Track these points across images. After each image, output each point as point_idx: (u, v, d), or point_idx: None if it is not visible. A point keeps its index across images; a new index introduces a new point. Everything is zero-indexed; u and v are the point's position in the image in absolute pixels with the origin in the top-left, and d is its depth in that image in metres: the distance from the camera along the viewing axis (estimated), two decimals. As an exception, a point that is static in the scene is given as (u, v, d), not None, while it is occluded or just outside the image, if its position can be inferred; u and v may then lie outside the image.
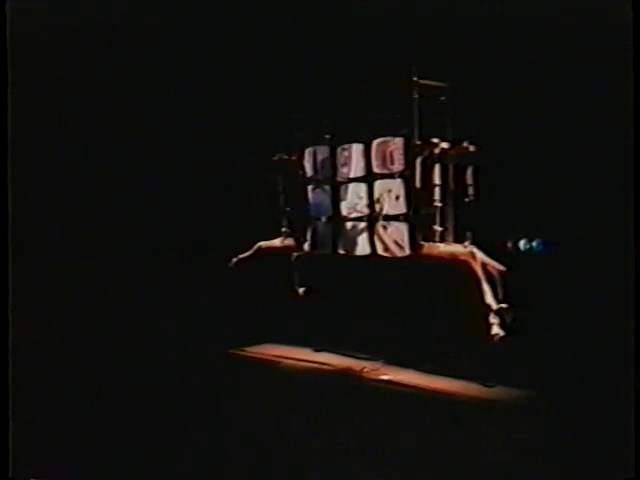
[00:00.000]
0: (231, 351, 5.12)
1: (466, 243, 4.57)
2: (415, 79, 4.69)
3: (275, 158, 5.47)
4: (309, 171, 5.34)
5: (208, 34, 4.91)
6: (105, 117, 5.12)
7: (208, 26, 4.83)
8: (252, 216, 5.29)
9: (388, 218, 4.93)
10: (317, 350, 5.12)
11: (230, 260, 5.56)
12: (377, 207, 4.94)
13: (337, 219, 5.21)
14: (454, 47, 4.46)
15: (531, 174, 4.32)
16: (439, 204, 4.69)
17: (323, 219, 5.28)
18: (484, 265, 4.45)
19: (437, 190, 4.68)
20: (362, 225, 5.07)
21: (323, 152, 5.27)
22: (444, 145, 4.65)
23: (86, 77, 5.06)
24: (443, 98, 4.59)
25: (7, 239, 4.16)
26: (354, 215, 5.12)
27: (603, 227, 4.10)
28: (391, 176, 4.88)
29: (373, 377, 4.62)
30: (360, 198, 5.05)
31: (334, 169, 5.21)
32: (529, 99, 4.30)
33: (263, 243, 5.55)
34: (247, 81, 5.19)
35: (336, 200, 5.20)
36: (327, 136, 5.23)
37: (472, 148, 4.57)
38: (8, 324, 4.12)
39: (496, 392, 4.16)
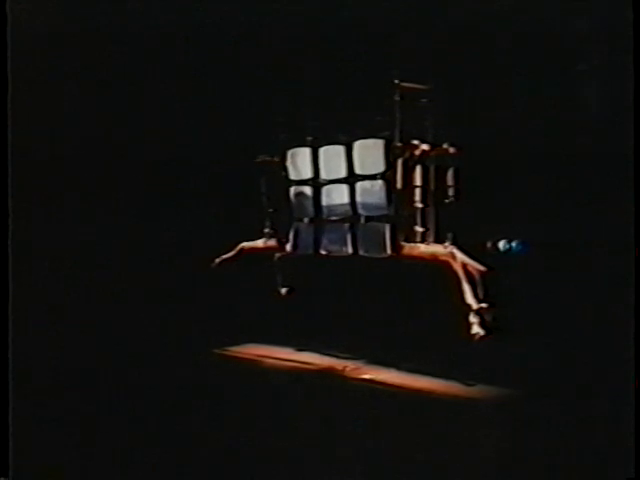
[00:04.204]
0: (214, 351, 5.15)
1: (446, 244, 4.61)
2: (396, 82, 4.73)
3: (257, 160, 5.49)
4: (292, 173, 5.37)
5: (195, 35, 4.93)
6: (89, 119, 5.12)
7: (195, 27, 4.84)
8: (235, 217, 5.30)
9: (369, 219, 4.97)
10: (299, 349, 5.15)
11: (213, 261, 5.57)
12: (359, 208, 4.98)
13: (319, 220, 5.24)
14: (436, 49, 4.49)
15: (511, 176, 4.36)
16: (420, 205, 4.72)
17: (305, 220, 5.31)
18: (464, 265, 4.49)
19: (418, 191, 4.71)
20: (344, 226, 5.10)
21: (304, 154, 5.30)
22: (425, 147, 4.69)
23: (87, 77, 5.06)
24: (424, 100, 4.63)
25: (7, 239, 4.18)
26: (336, 216, 5.15)
27: (584, 227, 4.14)
28: (372, 177, 4.91)
29: (355, 376, 4.66)
30: (342, 199, 5.09)
31: (316, 170, 5.24)
32: (511, 100, 4.33)
33: (246, 244, 5.56)
34: (229, 83, 5.20)
35: (318, 201, 5.23)
36: (309, 137, 5.25)
37: (452, 150, 4.61)
38: (8, 324, 4.13)
39: (477, 391, 4.21)
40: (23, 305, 4.47)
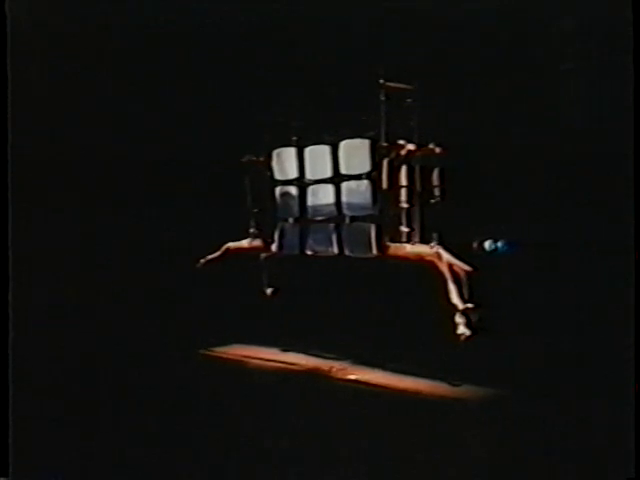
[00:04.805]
0: (200, 352, 5.13)
1: (432, 244, 4.61)
2: (382, 81, 4.72)
3: (243, 160, 5.47)
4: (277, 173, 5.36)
5: (183, 36, 4.91)
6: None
7: (182, 28, 4.83)
8: (220, 217, 5.28)
9: (355, 219, 4.96)
10: (285, 350, 5.14)
11: (198, 261, 5.55)
12: (344, 208, 4.97)
13: (304, 220, 5.23)
14: (422, 49, 4.48)
15: (497, 176, 4.36)
16: (405, 205, 4.72)
17: (290, 220, 5.30)
18: (450, 265, 4.49)
19: (403, 191, 4.71)
20: (329, 226, 5.09)
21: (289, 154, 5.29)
22: (410, 147, 4.68)
23: (87, 77, 5.05)
24: (410, 100, 4.62)
25: (7, 239, 4.17)
26: (321, 216, 5.14)
27: (570, 227, 4.15)
28: (358, 177, 4.90)
29: (341, 377, 4.65)
30: (327, 199, 5.08)
31: (301, 170, 5.23)
32: (497, 100, 4.33)
33: (231, 244, 5.54)
34: (214, 83, 5.18)
35: (303, 201, 5.22)
36: (294, 137, 5.24)
37: (438, 150, 4.61)
38: (8, 324, 4.13)
39: (463, 391, 4.22)
40: (23, 305, 4.46)
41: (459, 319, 4.37)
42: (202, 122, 5.22)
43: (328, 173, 5.05)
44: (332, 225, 5.07)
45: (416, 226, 4.70)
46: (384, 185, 4.77)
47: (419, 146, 4.64)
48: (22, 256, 4.49)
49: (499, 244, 4.45)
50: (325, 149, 5.06)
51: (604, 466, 3.44)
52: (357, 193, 4.91)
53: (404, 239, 4.74)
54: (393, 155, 4.75)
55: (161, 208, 5.35)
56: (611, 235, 3.87)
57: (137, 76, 5.09)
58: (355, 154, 4.90)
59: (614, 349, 3.77)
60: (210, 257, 5.65)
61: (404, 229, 4.73)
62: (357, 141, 4.88)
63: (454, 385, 4.26)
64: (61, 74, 4.92)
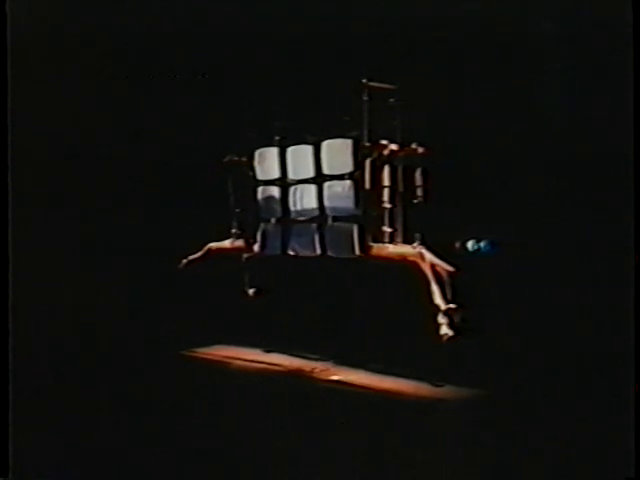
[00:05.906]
0: (182, 352, 5.12)
1: (415, 244, 4.60)
2: (364, 81, 4.72)
3: (225, 159, 5.45)
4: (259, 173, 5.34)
5: (168, 36, 4.90)
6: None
7: (182, 28, 4.82)
8: (202, 217, 5.26)
9: (337, 220, 4.95)
10: (267, 351, 5.13)
11: (180, 261, 5.53)
12: (327, 208, 4.96)
13: (287, 220, 5.22)
14: (405, 48, 4.48)
15: (479, 176, 4.36)
16: (388, 205, 4.71)
17: (273, 220, 5.28)
18: (433, 266, 4.49)
19: (386, 191, 4.71)
20: (312, 226, 5.08)
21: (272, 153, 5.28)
22: (393, 147, 4.68)
23: (86, 77, 5.03)
24: (393, 100, 4.62)
25: (7, 239, 4.16)
26: (303, 216, 5.13)
27: (552, 227, 4.15)
28: (340, 177, 4.89)
29: (323, 377, 4.65)
30: (310, 199, 5.07)
31: (283, 170, 5.22)
32: (480, 100, 4.34)
33: (213, 244, 5.52)
34: (197, 83, 5.17)
35: (285, 201, 5.21)
36: (277, 137, 5.23)
37: (421, 150, 4.61)
38: (8, 324, 4.12)
39: (445, 392, 4.22)
40: (23, 305, 4.46)
41: (442, 320, 4.37)
42: (185, 123, 5.20)
43: (310, 173, 5.04)
44: (314, 225, 5.06)
45: (399, 226, 4.70)
46: (367, 185, 4.77)
47: (402, 146, 4.64)
48: (22, 256, 4.49)
49: (482, 244, 4.45)
50: (307, 149, 5.05)
51: (604, 466, 3.45)
52: (340, 193, 4.90)
53: (387, 239, 4.73)
54: (376, 155, 4.75)
55: (142, 208, 5.33)
56: (611, 235, 3.87)
57: (130, 77, 5.09)
58: (338, 154, 4.89)
59: (614, 349, 3.77)
60: (192, 257, 5.64)
61: (387, 229, 4.72)
62: (339, 141, 4.87)
63: (437, 386, 4.26)
64: (61, 74, 4.91)
